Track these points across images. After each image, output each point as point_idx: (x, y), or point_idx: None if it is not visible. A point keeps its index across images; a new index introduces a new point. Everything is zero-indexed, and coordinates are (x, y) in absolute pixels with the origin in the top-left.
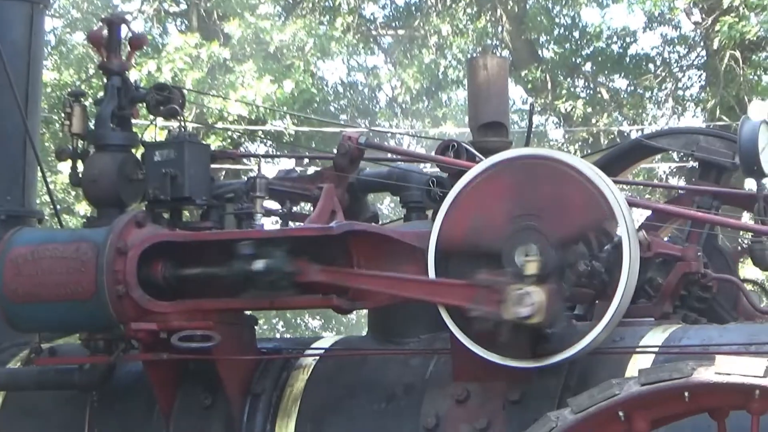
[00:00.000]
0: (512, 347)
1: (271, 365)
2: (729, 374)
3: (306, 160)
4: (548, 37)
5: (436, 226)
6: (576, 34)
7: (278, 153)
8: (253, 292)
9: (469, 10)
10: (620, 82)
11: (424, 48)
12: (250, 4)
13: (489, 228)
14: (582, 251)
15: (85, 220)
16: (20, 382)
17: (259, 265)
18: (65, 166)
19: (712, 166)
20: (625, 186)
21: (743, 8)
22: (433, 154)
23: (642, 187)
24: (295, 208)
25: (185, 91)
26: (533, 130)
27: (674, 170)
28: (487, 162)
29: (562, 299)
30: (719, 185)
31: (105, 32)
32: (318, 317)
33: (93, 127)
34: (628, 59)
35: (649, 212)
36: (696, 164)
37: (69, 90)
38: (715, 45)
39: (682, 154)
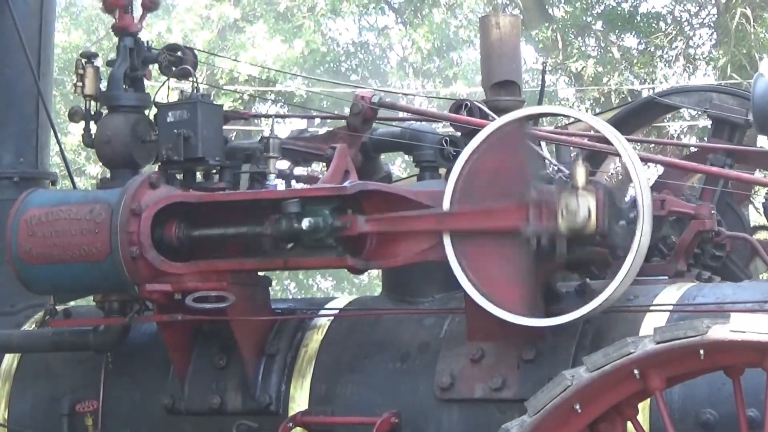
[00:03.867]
0: (527, 306)
1: (286, 326)
2: (744, 332)
3: (318, 120)
4: None
5: (450, 186)
6: None
7: (291, 113)
8: (299, 251)
9: None
10: (631, 41)
11: (435, 7)
12: None
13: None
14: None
15: (98, 182)
16: (35, 344)
17: (305, 223)
18: (76, 128)
19: (726, 123)
20: (637, 144)
21: None
22: (446, 113)
23: (654, 145)
24: (307, 169)
25: (197, 52)
26: (544, 89)
27: (686, 129)
28: (500, 121)
29: (612, 206)
30: (733, 143)
31: None
32: (329, 278)
33: (105, 89)
34: (638, 18)
35: (662, 171)
36: (709, 122)
37: (81, 51)
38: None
39: (694, 111)
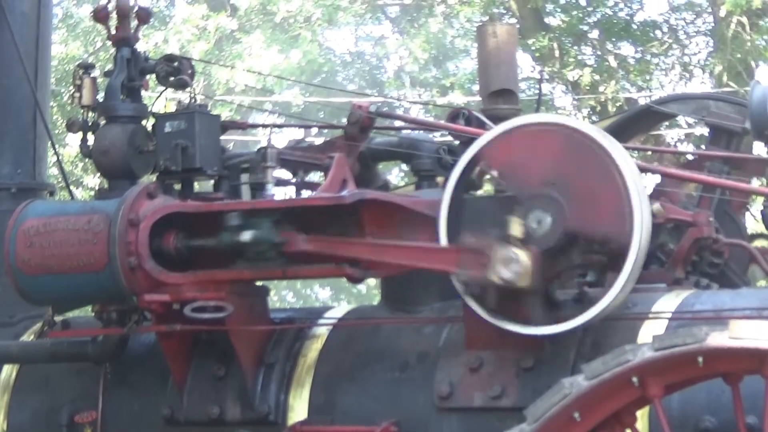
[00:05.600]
0: (525, 314)
1: (284, 335)
2: (743, 339)
3: (315, 130)
4: (555, 5)
5: (447, 194)
6: (582, 1)
7: (289, 123)
8: (242, 263)
9: None
10: (627, 49)
11: (431, 17)
12: None
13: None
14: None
15: (96, 192)
16: (34, 355)
17: (246, 236)
18: (74, 139)
19: (723, 131)
20: (634, 152)
21: None
22: (443, 122)
23: (651, 153)
24: (306, 178)
25: (194, 62)
26: (542, 98)
27: (683, 137)
28: (497, 129)
29: (545, 267)
30: (730, 151)
31: (110, 5)
32: (328, 287)
33: (103, 99)
34: (635, 26)
35: (659, 179)
36: (706, 130)
37: (78, 62)
38: (723, 13)
39: (692, 119)
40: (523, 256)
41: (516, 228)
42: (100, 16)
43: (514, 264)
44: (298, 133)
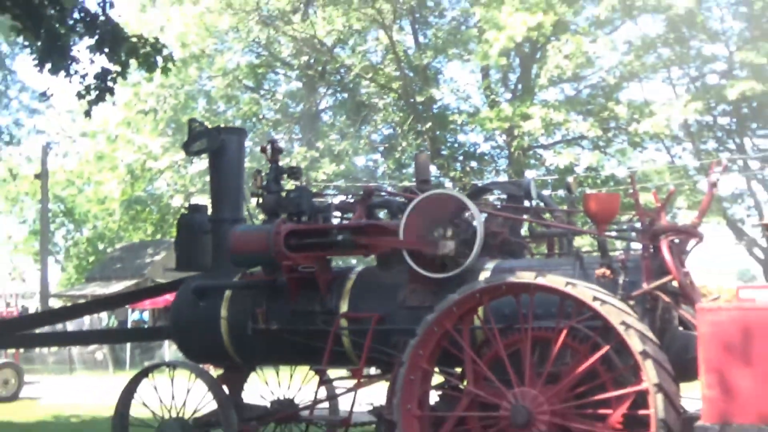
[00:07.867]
0: (435, 268)
1: (338, 277)
2: (521, 279)
3: (351, 196)
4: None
5: (402, 222)
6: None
7: (340, 193)
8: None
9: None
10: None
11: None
12: None
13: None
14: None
15: (261, 222)
16: (239, 285)
17: (339, 237)
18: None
19: (512, 196)
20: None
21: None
22: (401, 192)
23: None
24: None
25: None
26: (437, 183)
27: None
28: (420, 197)
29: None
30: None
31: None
32: (355, 260)
33: (265, 185)
34: (477, 154)
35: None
36: (504, 195)
37: (254, 170)
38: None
39: (501, 192)
40: (451, 245)
41: (450, 240)
42: (263, 150)
43: (448, 247)
44: (343, 198)
